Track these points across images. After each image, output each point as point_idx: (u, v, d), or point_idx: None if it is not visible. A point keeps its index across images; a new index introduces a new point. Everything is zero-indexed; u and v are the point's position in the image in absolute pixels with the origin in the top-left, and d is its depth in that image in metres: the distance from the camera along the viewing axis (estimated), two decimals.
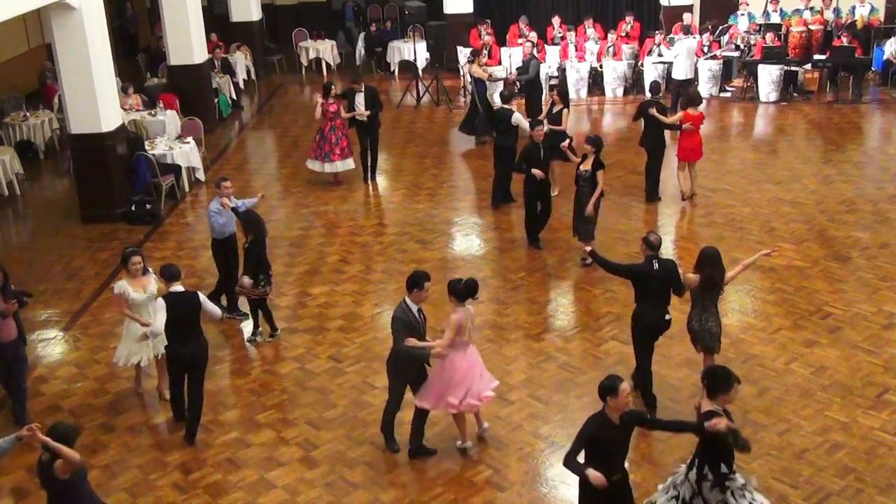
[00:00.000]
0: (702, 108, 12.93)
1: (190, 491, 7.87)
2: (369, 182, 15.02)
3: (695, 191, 13.53)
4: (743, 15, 19.69)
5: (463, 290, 7.77)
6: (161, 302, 8.16)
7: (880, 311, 10.31)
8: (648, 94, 13.66)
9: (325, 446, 8.37)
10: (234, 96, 19.78)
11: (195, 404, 8.46)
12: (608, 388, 6.24)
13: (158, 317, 8.12)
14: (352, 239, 12.89)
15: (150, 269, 9.04)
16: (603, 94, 19.28)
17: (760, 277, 11.17)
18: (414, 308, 7.76)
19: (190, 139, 15.27)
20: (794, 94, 18.59)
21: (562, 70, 18.34)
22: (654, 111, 13.00)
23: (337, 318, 10.69)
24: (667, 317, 8.44)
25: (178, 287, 8.33)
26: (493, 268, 11.62)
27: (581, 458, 6.30)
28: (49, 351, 10.30)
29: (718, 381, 6.45)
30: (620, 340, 9.85)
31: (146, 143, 14.77)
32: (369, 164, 15.00)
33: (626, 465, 7.89)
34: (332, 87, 14.59)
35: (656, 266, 8.40)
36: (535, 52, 16.92)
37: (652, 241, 8.48)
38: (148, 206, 13.79)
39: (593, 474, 6.18)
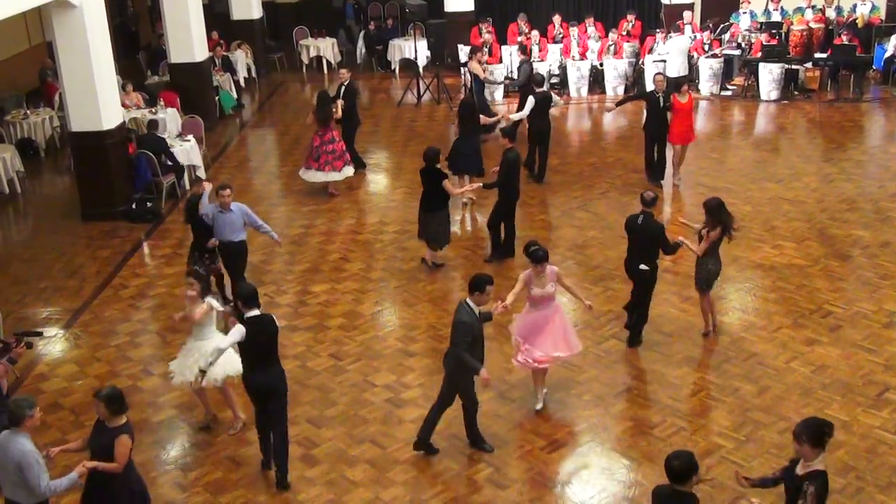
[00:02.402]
0: (683, 97, 13.55)
1: (190, 489, 7.88)
2: (362, 172, 15.17)
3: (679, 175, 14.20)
4: (745, 13, 19.66)
5: (528, 254, 8.52)
6: (239, 327, 7.57)
7: (881, 309, 10.31)
8: (651, 87, 14.16)
9: (326, 444, 8.37)
10: (234, 94, 19.77)
11: (278, 440, 7.81)
12: (694, 466, 5.67)
13: (231, 337, 7.61)
14: (352, 237, 12.88)
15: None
16: (604, 92, 19.27)
17: (761, 276, 11.17)
18: (476, 310, 7.80)
19: (190, 137, 15.26)
20: (795, 93, 18.55)
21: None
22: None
23: (338, 316, 10.70)
24: (640, 266, 9.38)
25: (255, 311, 7.66)
26: (492, 266, 11.59)
27: None
28: (49, 349, 10.30)
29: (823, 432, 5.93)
30: (620, 339, 9.85)
31: None
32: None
33: (627, 463, 7.94)
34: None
35: (640, 221, 9.35)
36: (521, 54, 16.97)
37: (644, 198, 9.41)
38: (149, 205, 13.78)
39: None
